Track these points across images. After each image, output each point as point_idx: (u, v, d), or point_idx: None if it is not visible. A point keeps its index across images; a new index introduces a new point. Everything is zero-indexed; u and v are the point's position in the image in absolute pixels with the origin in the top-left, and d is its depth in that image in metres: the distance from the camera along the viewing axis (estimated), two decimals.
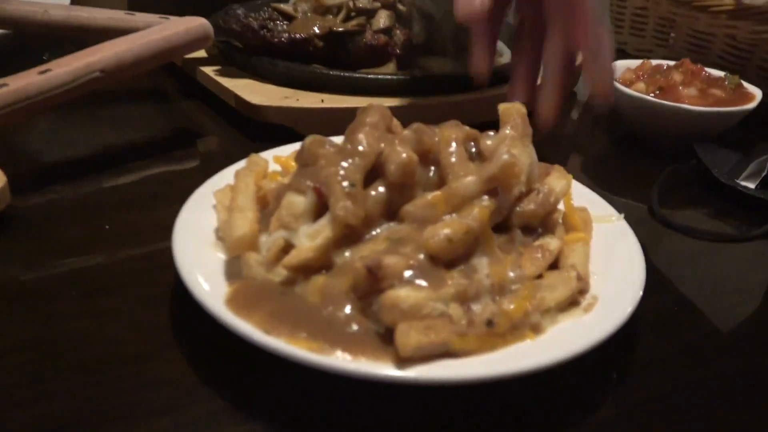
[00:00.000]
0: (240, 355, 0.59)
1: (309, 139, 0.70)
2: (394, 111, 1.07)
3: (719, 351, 0.69)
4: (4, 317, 0.65)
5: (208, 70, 1.17)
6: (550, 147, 1.16)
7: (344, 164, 0.63)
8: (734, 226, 0.94)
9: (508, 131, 0.70)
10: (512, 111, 0.72)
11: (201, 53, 1.25)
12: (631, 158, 1.12)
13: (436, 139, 0.69)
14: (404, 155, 0.64)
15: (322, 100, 1.06)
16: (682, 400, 0.61)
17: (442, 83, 1.14)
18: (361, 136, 0.65)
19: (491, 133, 0.71)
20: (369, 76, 1.10)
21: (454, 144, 0.68)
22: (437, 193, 0.64)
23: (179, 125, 1.15)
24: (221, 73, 1.16)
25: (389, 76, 1.12)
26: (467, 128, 0.72)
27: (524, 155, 0.68)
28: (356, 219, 0.61)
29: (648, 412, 0.60)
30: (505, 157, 0.63)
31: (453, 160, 0.66)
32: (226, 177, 0.76)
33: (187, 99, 1.23)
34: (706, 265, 0.85)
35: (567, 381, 0.62)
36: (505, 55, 1.34)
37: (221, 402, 0.57)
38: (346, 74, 1.09)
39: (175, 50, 0.95)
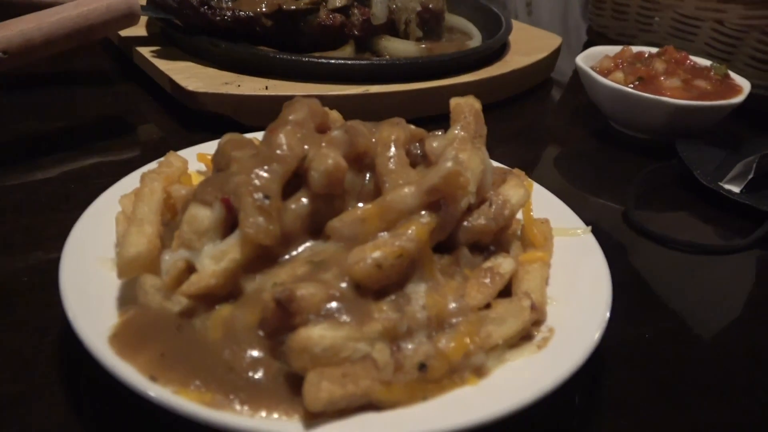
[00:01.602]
0: (129, 400, 0.49)
1: (225, 137, 0.60)
2: (349, 100, 0.98)
3: (699, 391, 0.60)
4: None
5: (145, 51, 1.06)
6: (522, 142, 1.07)
7: (259, 171, 0.53)
8: (718, 235, 0.85)
9: (457, 131, 0.60)
10: (464, 107, 0.62)
11: (142, 32, 1.13)
12: (609, 154, 1.03)
13: (373, 140, 0.59)
14: (330, 161, 0.54)
15: (267, 87, 0.95)
16: None
17: (405, 69, 1.04)
18: (281, 138, 0.55)
19: (439, 132, 0.62)
20: (321, 60, 0.99)
21: (393, 147, 0.58)
22: (369, 206, 0.54)
23: (114, 113, 1.03)
24: (159, 55, 1.04)
25: (344, 61, 1.01)
26: (412, 127, 0.62)
27: (475, 160, 0.58)
28: (269, 238, 0.51)
29: None
30: (449, 164, 0.53)
31: (390, 166, 0.57)
32: (132, 179, 0.65)
33: (125, 83, 1.11)
34: (685, 281, 0.76)
35: (519, 422, 0.53)
36: (475, 38, 1.23)
37: None
38: (295, 57, 0.99)
39: (94, 29, 0.84)
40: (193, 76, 0.97)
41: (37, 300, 0.62)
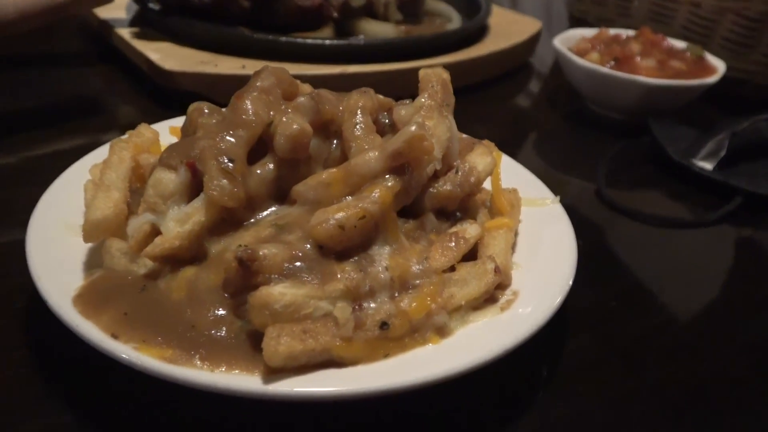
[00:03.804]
0: (93, 361, 0.49)
1: (193, 105, 0.60)
2: (326, 80, 0.98)
3: (662, 355, 0.60)
4: None
5: (124, 33, 1.05)
6: (500, 122, 1.07)
7: (224, 136, 0.54)
8: (688, 210, 0.86)
9: (424, 99, 0.60)
10: (432, 76, 0.63)
11: (120, 14, 1.13)
12: (584, 134, 1.03)
13: (341, 108, 0.59)
14: (295, 126, 0.54)
15: (244, 66, 0.95)
16: (616, 413, 0.53)
17: (381, 50, 1.04)
18: (247, 104, 0.56)
19: (408, 101, 0.62)
20: (298, 40, 1.00)
21: (359, 113, 0.58)
22: (333, 170, 0.54)
23: (90, 94, 1.03)
24: (137, 36, 1.04)
25: (321, 41, 1.01)
26: (380, 97, 0.63)
27: (441, 127, 0.59)
28: (233, 200, 0.52)
29: (571, 425, 0.52)
30: (413, 128, 0.53)
31: (357, 132, 0.57)
32: (101, 149, 0.66)
33: (103, 65, 1.11)
34: (654, 253, 0.76)
35: (483, 388, 0.54)
36: (454, 20, 1.24)
37: (67, 416, 0.48)
38: (272, 37, 0.99)
39: (69, 5, 0.83)
40: (170, 56, 0.97)
41: (5, 269, 0.62)
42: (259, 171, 0.55)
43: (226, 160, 0.52)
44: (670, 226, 0.81)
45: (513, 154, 0.75)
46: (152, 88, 0.99)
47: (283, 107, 0.57)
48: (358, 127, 0.57)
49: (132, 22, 1.10)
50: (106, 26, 1.10)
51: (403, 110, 0.61)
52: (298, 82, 0.66)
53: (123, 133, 0.67)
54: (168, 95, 0.96)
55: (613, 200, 0.82)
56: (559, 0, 1.83)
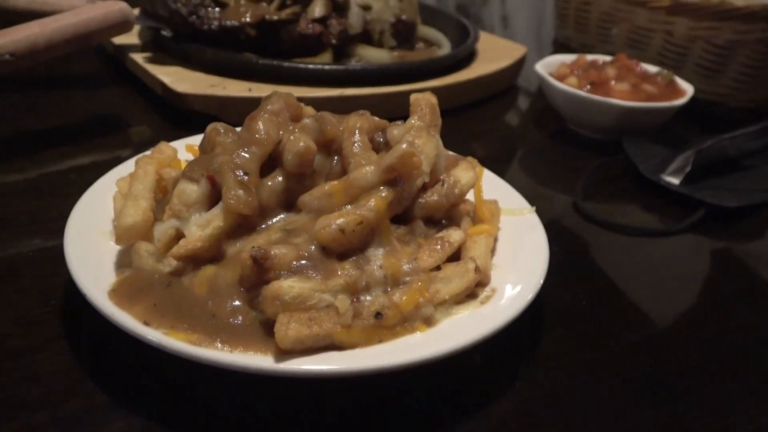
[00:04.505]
0: (124, 349, 0.57)
1: (211, 126, 0.68)
2: (325, 102, 1.07)
3: (629, 346, 0.68)
4: None
5: (138, 57, 1.14)
6: (485, 141, 1.16)
7: (239, 152, 0.62)
8: (657, 221, 0.94)
9: (414, 121, 0.69)
10: (421, 101, 0.71)
11: (134, 40, 1.22)
12: (564, 152, 1.12)
13: (341, 128, 0.67)
14: (302, 144, 0.62)
15: (250, 89, 1.04)
16: (581, 397, 0.61)
17: (376, 74, 1.13)
18: (259, 124, 0.64)
19: (399, 123, 0.70)
20: (300, 65, 1.08)
21: (357, 133, 0.66)
22: (335, 183, 0.62)
23: (108, 113, 1.12)
24: (150, 60, 1.13)
25: (321, 66, 1.10)
26: (375, 118, 0.71)
27: (429, 145, 0.67)
28: (248, 208, 0.59)
29: (546, 409, 0.59)
30: (404, 146, 0.61)
31: (355, 149, 0.65)
32: (126, 165, 0.73)
33: (118, 86, 1.20)
34: (625, 259, 0.84)
35: (466, 374, 0.61)
36: (444, 46, 1.33)
37: (102, 397, 0.56)
38: (276, 63, 1.07)
39: (92, 35, 0.92)
40: (182, 80, 1.05)
41: (42, 271, 0.69)
42: (270, 183, 0.63)
43: (241, 173, 0.60)
44: (640, 235, 0.89)
45: (500, 170, 0.83)
46: (165, 108, 1.08)
47: (290, 128, 0.65)
48: (356, 145, 0.66)
49: (145, 48, 1.18)
50: (121, 51, 1.18)
51: (395, 130, 0.69)
52: (303, 105, 0.74)
53: (139, 150, 0.75)
54: (180, 115, 1.04)
55: (588, 212, 0.91)
56: (549, 25, 1.92)
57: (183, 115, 1.04)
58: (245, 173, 0.61)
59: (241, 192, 0.59)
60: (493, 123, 1.23)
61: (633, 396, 0.61)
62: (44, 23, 0.88)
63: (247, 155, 0.62)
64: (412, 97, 0.73)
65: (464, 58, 1.26)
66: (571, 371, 0.64)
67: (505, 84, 1.33)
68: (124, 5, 0.97)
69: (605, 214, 0.91)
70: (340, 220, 0.58)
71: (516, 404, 0.59)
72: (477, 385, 0.61)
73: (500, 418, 0.57)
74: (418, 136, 0.67)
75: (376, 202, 0.60)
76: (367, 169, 0.62)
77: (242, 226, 0.61)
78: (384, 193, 0.61)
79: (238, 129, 0.69)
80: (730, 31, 1.20)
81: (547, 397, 0.60)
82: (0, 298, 0.65)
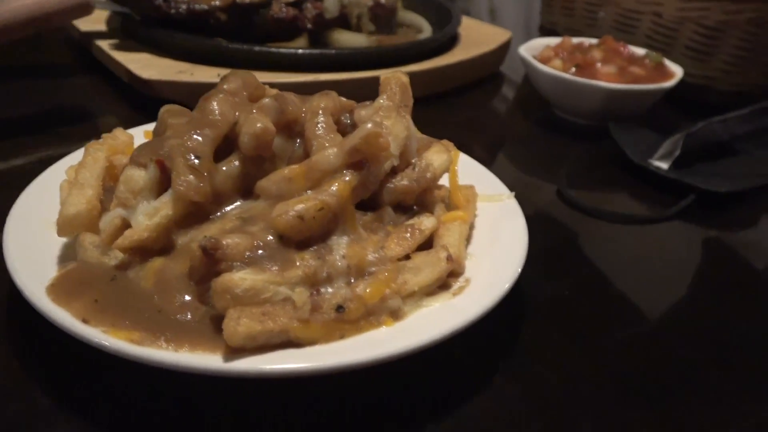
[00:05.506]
0: (66, 348, 0.52)
1: (164, 108, 0.64)
2: (299, 88, 1.01)
3: (614, 339, 0.64)
4: None
5: (104, 44, 1.09)
6: (469, 129, 1.11)
7: (192, 135, 0.57)
8: (646, 208, 0.90)
9: (383, 101, 0.64)
10: (391, 80, 0.66)
11: (101, 26, 1.17)
12: (549, 139, 1.07)
13: (304, 109, 0.63)
14: (259, 125, 0.57)
15: (219, 75, 0.99)
16: (565, 393, 0.57)
17: (352, 58, 1.08)
18: (214, 104, 0.59)
19: (368, 103, 0.66)
20: (272, 49, 1.03)
21: (321, 114, 0.62)
22: (295, 166, 0.58)
23: (74, 103, 1.07)
24: (117, 47, 1.08)
25: (294, 50, 1.05)
26: (343, 99, 0.66)
27: (399, 126, 0.62)
28: (199, 195, 0.55)
29: (527, 405, 0.55)
30: (369, 126, 0.57)
31: (318, 131, 0.61)
32: (77, 152, 0.69)
33: (85, 75, 1.15)
34: (611, 247, 0.80)
35: (440, 370, 0.57)
36: (425, 30, 1.28)
37: (41, 401, 0.51)
38: (247, 47, 1.03)
39: (50, 18, 0.87)
40: (149, 66, 1.00)
41: None
42: (225, 168, 0.58)
43: (192, 157, 0.56)
44: (627, 222, 0.85)
45: (482, 158, 0.78)
46: (133, 97, 1.03)
47: (248, 108, 0.60)
48: (319, 126, 0.61)
49: (111, 34, 1.13)
50: (87, 38, 1.13)
51: (363, 111, 0.64)
52: (266, 86, 0.69)
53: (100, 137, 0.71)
54: (148, 104, 0.99)
55: (573, 199, 0.86)
56: (536, 15, 1.88)
57: (153, 104, 0.99)
58: (197, 157, 0.56)
59: (191, 177, 0.55)
60: (475, 111, 1.19)
61: (620, 392, 0.57)
62: None
63: (199, 138, 0.57)
64: (383, 76, 0.68)
65: (446, 42, 1.22)
66: (554, 366, 0.59)
67: (489, 70, 1.29)
68: None
69: (591, 201, 0.86)
70: (298, 207, 0.54)
71: (495, 401, 0.55)
72: (453, 382, 0.57)
73: (477, 416, 0.53)
74: (387, 117, 0.63)
75: (339, 186, 0.56)
76: (330, 151, 0.57)
77: (194, 214, 0.57)
78: (348, 176, 0.57)
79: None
80: (720, 11, 1.15)
81: (529, 393, 0.56)
82: None
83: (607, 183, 0.95)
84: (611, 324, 0.66)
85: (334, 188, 0.56)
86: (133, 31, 1.10)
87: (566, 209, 0.86)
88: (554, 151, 1.04)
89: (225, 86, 0.62)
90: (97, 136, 0.93)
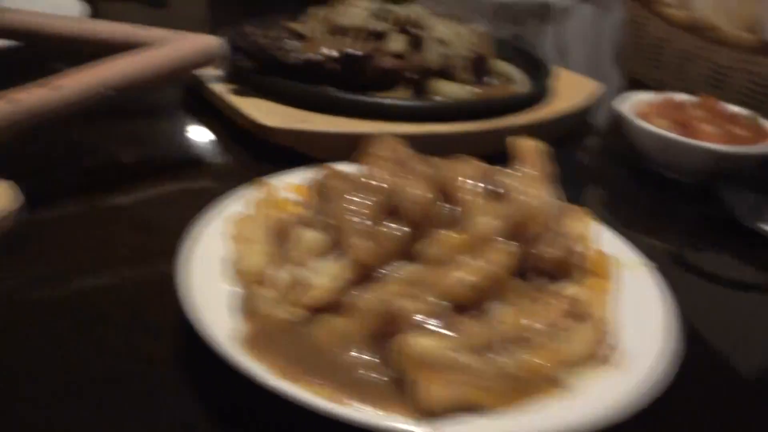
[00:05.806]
0: (243, 398, 0.56)
1: (326, 171, 0.68)
2: (407, 138, 1.06)
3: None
4: None
5: (221, 89, 1.15)
6: (566, 183, 1.13)
7: (360, 200, 0.61)
8: (761, 274, 0.90)
9: (527, 170, 0.67)
10: (530, 147, 0.70)
11: (214, 71, 1.23)
12: (651, 195, 1.09)
13: (451, 174, 0.66)
14: (424, 194, 0.61)
15: (335, 124, 1.03)
16: None
17: (457, 110, 1.12)
18: (377, 171, 0.63)
19: (508, 170, 0.69)
20: (384, 100, 1.08)
21: (472, 181, 0.65)
22: (456, 235, 0.61)
23: (188, 144, 1.13)
24: (234, 92, 1.13)
25: (404, 102, 1.10)
26: (481, 164, 0.70)
27: (550, 198, 0.65)
28: (372, 258, 0.59)
29: None
30: (531, 200, 0.60)
31: (472, 199, 0.64)
32: (232, 202, 0.73)
33: (197, 117, 1.21)
34: (729, 316, 0.81)
35: None
36: (517, 79, 1.32)
37: None
38: (361, 98, 1.07)
39: (185, 68, 0.93)
40: (271, 114, 1.05)
41: (152, 309, 0.69)
42: (389, 232, 0.62)
43: (364, 221, 0.60)
44: (744, 289, 0.86)
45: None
46: (243, 140, 1.07)
47: (404, 175, 0.64)
48: (473, 194, 0.64)
49: (224, 79, 1.19)
50: (200, 82, 1.19)
51: (507, 179, 0.67)
52: (405, 147, 0.73)
53: (221, 180, 0.75)
54: (259, 147, 1.04)
55: (694, 263, 0.88)
56: (607, 58, 1.90)
57: (261, 149, 1.04)
58: (368, 221, 0.60)
59: (366, 241, 0.59)
60: (568, 164, 1.20)
61: None
62: (142, 57, 0.89)
63: (368, 203, 0.61)
64: (517, 142, 0.72)
65: (541, 94, 1.25)
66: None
67: (580, 122, 1.32)
68: (216, 39, 0.98)
69: (706, 266, 0.88)
70: (473, 277, 0.57)
71: None
72: None
73: None
74: (535, 186, 0.66)
75: (504, 256, 0.59)
76: (493, 221, 0.60)
77: (363, 275, 0.60)
78: (511, 247, 0.60)
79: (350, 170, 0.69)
80: None
81: None
82: (111, 336, 0.65)
83: (719, 246, 0.96)
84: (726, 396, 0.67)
85: (501, 258, 0.59)
86: (245, 76, 1.15)
87: (683, 273, 0.87)
88: (657, 209, 1.05)
89: (381, 152, 0.66)
90: (218, 178, 0.99)
